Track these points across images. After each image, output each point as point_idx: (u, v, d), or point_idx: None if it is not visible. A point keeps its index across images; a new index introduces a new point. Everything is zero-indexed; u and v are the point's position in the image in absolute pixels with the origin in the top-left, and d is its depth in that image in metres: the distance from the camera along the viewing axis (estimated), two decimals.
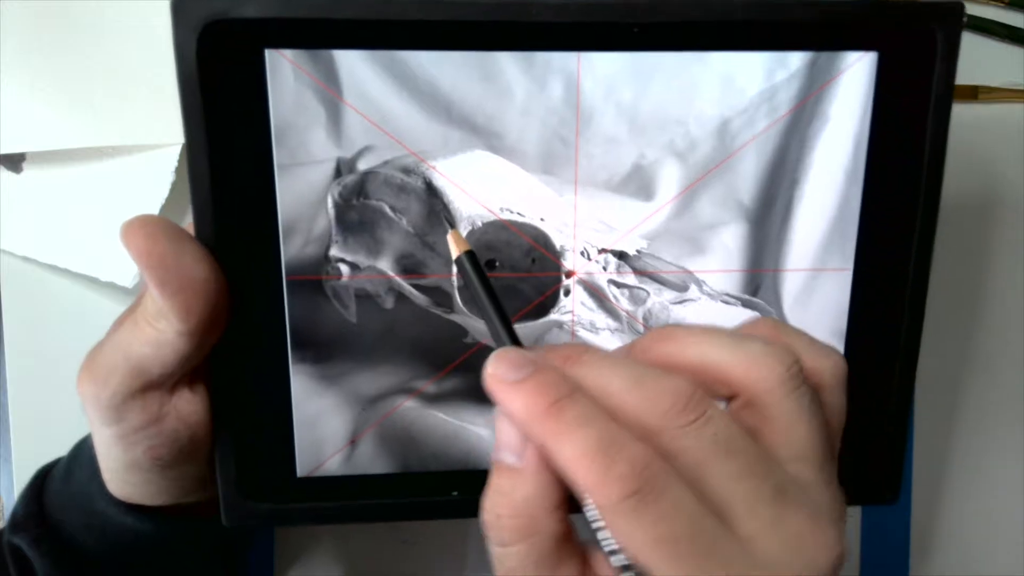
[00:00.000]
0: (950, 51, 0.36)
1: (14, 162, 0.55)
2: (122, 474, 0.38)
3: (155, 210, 0.53)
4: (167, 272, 0.34)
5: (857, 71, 0.36)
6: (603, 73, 0.36)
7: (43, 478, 0.44)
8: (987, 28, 0.63)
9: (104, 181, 0.54)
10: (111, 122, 0.53)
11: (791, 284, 0.38)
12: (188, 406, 0.37)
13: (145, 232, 0.34)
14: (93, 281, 0.54)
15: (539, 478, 0.29)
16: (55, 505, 0.42)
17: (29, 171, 0.55)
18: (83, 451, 0.42)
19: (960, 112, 0.59)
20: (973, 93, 0.62)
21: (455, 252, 0.33)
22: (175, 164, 0.53)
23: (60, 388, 0.49)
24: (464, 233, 0.37)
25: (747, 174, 0.37)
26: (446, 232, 0.37)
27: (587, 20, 0.35)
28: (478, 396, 0.39)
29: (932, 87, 0.36)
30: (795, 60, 0.36)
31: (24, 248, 0.55)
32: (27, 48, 0.53)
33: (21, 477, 0.55)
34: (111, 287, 0.54)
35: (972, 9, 0.62)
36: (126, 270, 0.54)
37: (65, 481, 0.42)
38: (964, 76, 0.60)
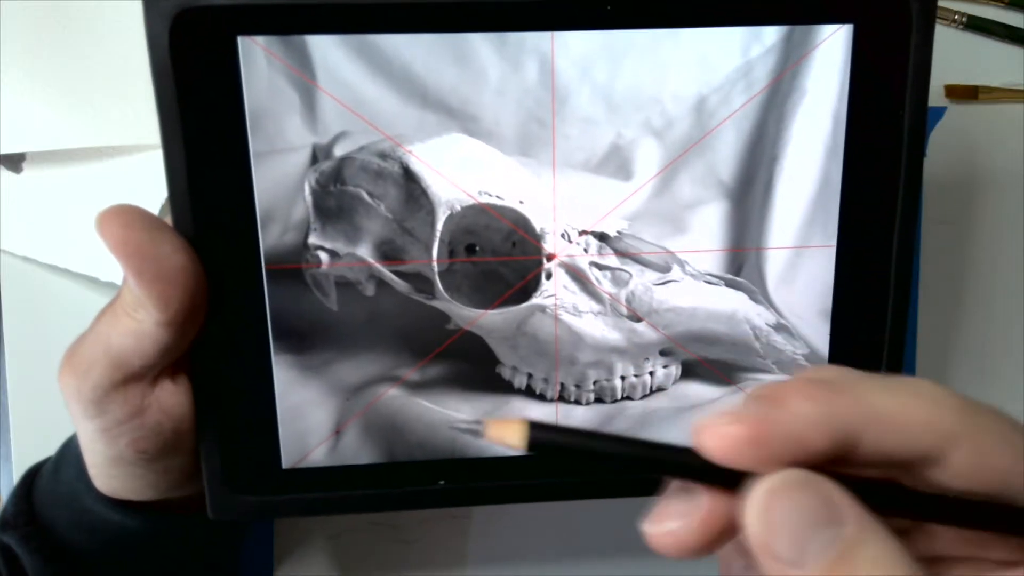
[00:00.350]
0: (926, 22, 0.35)
1: (14, 162, 0.54)
2: (107, 469, 0.37)
3: (155, 211, 0.52)
4: (144, 261, 0.33)
5: (833, 44, 0.35)
6: (577, 52, 0.35)
7: (32, 476, 0.43)
8: (987, 28, 0.63)
9: (104, 181, 0.54)
10: (111, 122, 0.53)
11: (774, 262, 0.37)
12: (171, 398, 0.36)
13: (121, 221, 0.33)
14: (93, 281, 0.54)
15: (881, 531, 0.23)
16: (44, 503, 0.41)
17: (29, 171, 0.54)
18: (70, 448, 0.41)
19: (960, 112, 0.60)
20: (973, 93, 0.61)
21: (516, 443, 0.25)
22: None
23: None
24: (443, 218, 0.36)
25: (726, 152, 0.36)
26: (425, 216, 0.37)
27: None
28: (462, 383, 0.39)
29: (909, 59, 0.35)
30: (770, 35, 0.35)
31: (24, 248, 0.54)
32: (27, 48, 0.53)
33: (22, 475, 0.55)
34: (111, 287, 0.54)
35: (972, 9, 0.62)
36: None
37: (53, 479, 0.42)
38: (964, 76, 0.62)
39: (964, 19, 0.62)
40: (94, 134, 0.53)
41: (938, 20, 0.66)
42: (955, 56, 0.61)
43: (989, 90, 0.61)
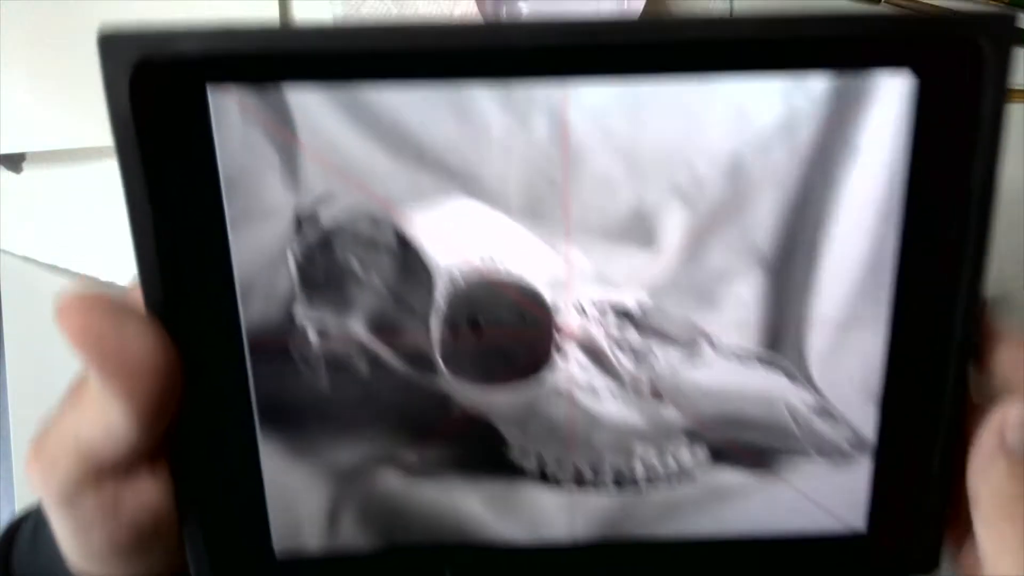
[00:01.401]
0: (1000, 69, 0.28)
1: (14, 162, 0.52)
2: (83, 561, 0.32)
3: None
4: (106, 353, 0.28)
5: (890, 95, 0.28)
6: (593, 104, 0.29)
7: (13, 535, 0.38)
8: None
9: (104, 181, 0.52)
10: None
11: (817, 340, 0.31)
12: (148, 489, 0.31)
13: (80, 307, 0.28)
14: (93, 281, 0.52)
15: None
16: (23, 573, 0.36)
17: (29, 171, 0.52)
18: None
19: None
20: None
21: None
22: None
23: (60, 388, 0.47)
24: (443, 289, 0.30)
25: (764, 216, 0.30)
26: (423, 288, 0.31)
27: (573, 44, 0.28)
28: (466, 466, 0.33)
29: (980, 111, 0.28)
30: (817, 84, 0.28)
31: (24, 248, 0.52)
32: (27, 48, 0.51)
33: (21, 476, 0.52)
34: (111, 287, 0.50)
35: (972, 9, 0.60)
36: (126, 270, 0.51)
37: (32, 548, 0.37)
38: None
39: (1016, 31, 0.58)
40: (94, 134, 0.51)
41: None
42: None
43: None
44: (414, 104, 0.29)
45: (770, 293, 0.31)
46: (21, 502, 0.57)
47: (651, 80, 0.28)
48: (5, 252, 0.52)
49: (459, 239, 0.30)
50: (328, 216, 0.30)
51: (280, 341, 0.31)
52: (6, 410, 0.53)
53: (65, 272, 0.52)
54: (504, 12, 0.65)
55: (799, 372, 0.31)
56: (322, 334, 0.31)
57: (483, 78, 0.29)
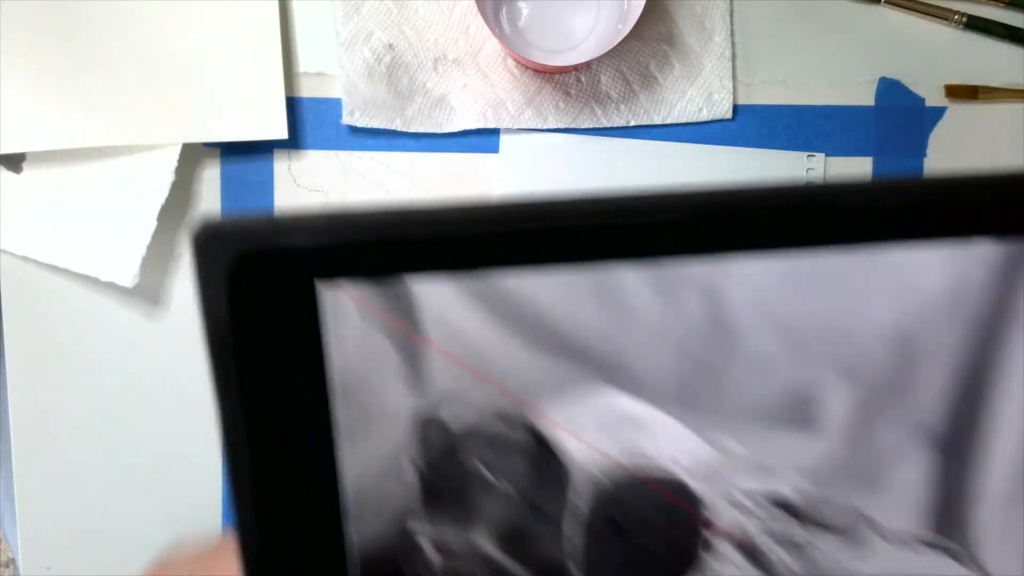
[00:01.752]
0: None
1: (14, 162, 0.52)
2: None
3: (155, 210, 0.51)
4: None
5: None
6: (750, 279, 0.26)
7: None
8: (987, 28, 0.61)
9: (104, 181, 0.52)
10: (111, 122, 0.51)
11: (985, 518, 0.28)
12: None
13: None
14: (93, 281, 0.52)
15: None
16: None
17: (29, 171, 0.52)
18: None
19: (960, 112, 0.58)
20: (973, 93, 0.59)
21: None
22: (175, 164, 0.51)
23: (60, 388, 0.48)
24: (581, 490, 0.26)
25: (932, 390, 0.27)
26: (558, 490, 0.27)
27: (728, 217, 0.25)
28: None
29: None
30: (984, 248, 0.26)
31: (24, 248, 0.52)
32: (27, 48, 0.50)
33: (21, 476, 0.51)
34: (111, 287, 0.52)
35: (972, 9, 0.60)
36: (126, 270, 0.52)
37: None
38: (964, 76, 0.59)
39: (964, 19, 0.61)
40: (94, 134, 0.51)
41: (938, 20, 0.63)
42: (955, 56, 0.59)
43: (989, 90, 0.59)
44: (551, 288, 0.25)
45: (938, 472, 0.28)
46: (21, 501, 0.55)
47: (811, 252, 0.26)
48: (5, 252, 0.52)
49: (600, 433, 0.27)
50: (453, 416, 0.26)
51: (393, 562, 0.26)
52: (6, 410, 0.52)
53: (65, 272, 0.52)
54: (504, 12, 0.63)
55: (967, 554, 0.28)
56: (443, 551, 0.27)
57: (630, 259, 0.25)
